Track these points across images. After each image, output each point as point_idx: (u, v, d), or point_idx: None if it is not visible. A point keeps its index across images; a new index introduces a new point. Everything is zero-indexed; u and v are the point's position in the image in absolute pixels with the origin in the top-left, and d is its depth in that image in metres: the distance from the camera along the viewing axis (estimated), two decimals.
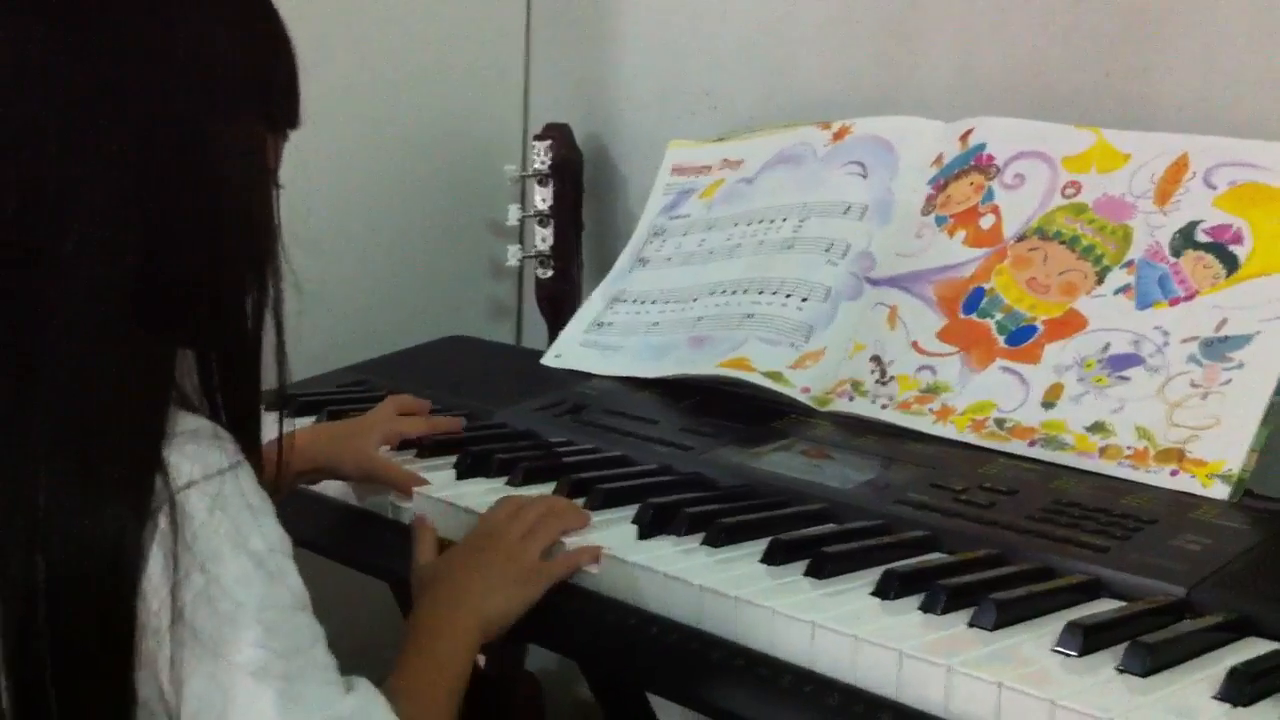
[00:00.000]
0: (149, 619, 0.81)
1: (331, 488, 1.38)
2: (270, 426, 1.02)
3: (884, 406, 1.41)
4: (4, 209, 0.82)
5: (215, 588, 0.82)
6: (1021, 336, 1.35)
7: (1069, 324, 1.33)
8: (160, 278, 0.85)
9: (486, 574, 1.13)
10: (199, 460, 0.84)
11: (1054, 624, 0.95)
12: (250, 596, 0.83)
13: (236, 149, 0.89)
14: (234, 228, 0.90)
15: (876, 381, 1.43)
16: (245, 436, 0.92)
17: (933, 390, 1.38)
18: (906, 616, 0.98)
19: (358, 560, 1.37)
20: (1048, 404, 1.30)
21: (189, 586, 0.81)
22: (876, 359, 1.44)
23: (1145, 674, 0.88)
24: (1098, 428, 1.26)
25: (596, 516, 1.21)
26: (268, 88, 0.93)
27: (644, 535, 1.16)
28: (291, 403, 1.62)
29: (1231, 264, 1.27)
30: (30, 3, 0.84)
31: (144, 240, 0.84)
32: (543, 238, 2.08)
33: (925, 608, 0.99)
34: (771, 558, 1.09)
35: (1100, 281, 1.34)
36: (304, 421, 1.58)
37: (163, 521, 0.81)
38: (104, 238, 0.83)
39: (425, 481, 1.31)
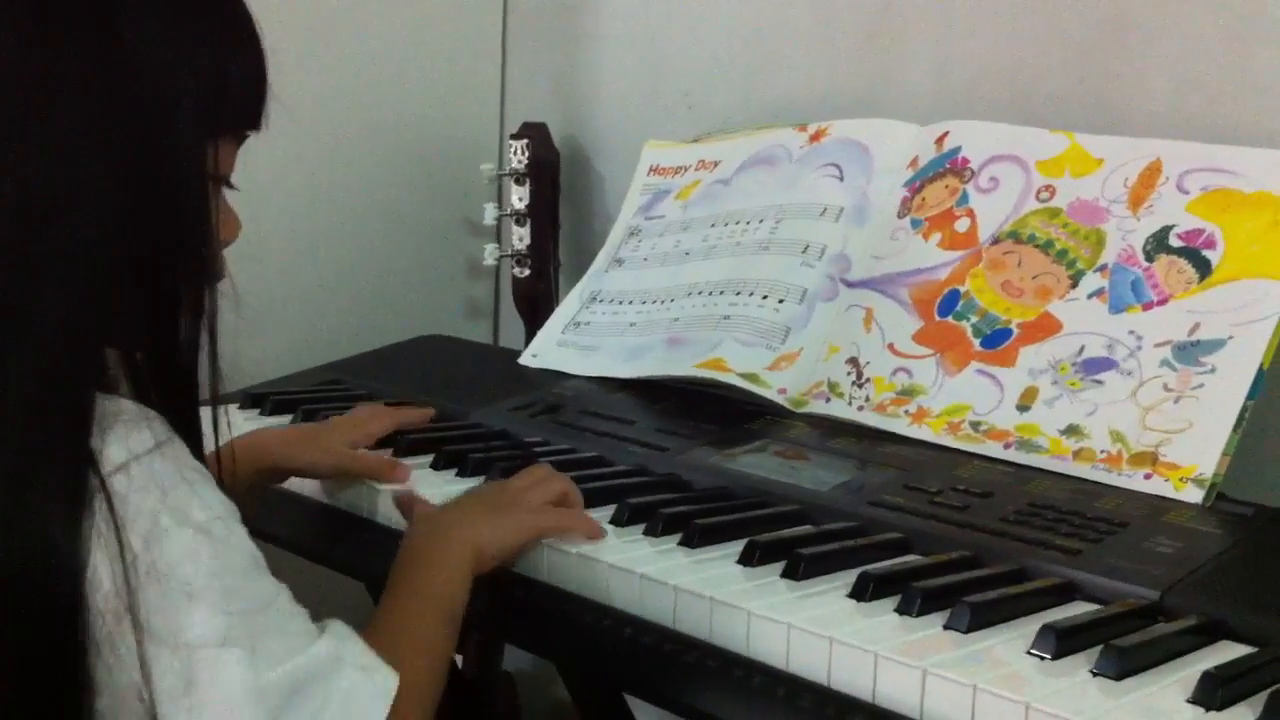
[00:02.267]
0: (103, 606, 0.81)
1: (307, 486, 1.37)
2: (242, 426, 1.02)
3: (860, 408, 1.41)
4: None
5: (161, 567, 0.82)
6: (997, 339, 1.36)
7: (1043, 327, 1.34)
8: (97, 274, 0.84)
9: (478, 504, 1.14)
10: (125, 442, 0.83)
11: (1028, 627, 0.96)
12: (199, 568, 0.83)
13: (178, 151, 0.88)
14: (175, 231, 0.89)
15: (853, 383, 1.43)
16: (183, 437, 0.91)
17: (908, 392, 1.39)
18: (882, 618, 0.99)
19: (333, 560, 1.37)
20: (1022, 407, 1.31)
21: (136, 570, 0.81)
22: (853, 361, 1.45)
23: (1119, 677, 0.89)
24: (1072, 431, 1.26)
25: None
26: (225, 89, 0.91)
27: (620, 536, 1.17)
28: (266, 401, 1.62)
29: (1204, 269, 1.27)
30: None
31: (79, 237, 0.83)
32: (520, 237, 2.08)
33: (900, 610, 0.99)
34: (747, 559, 1.10)
35: (1074, 285, 1.34)
36: (279, 420, 1.58)
37: (99, 509, 0.81)
38: (41, 233, 0.82)
39: (403, 465, 1.32)
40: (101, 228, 0.84)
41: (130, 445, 0.83)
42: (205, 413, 0.96)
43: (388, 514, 1.29)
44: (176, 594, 0.82)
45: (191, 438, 0.93)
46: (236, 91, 0.92)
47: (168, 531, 0.82)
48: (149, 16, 0.86)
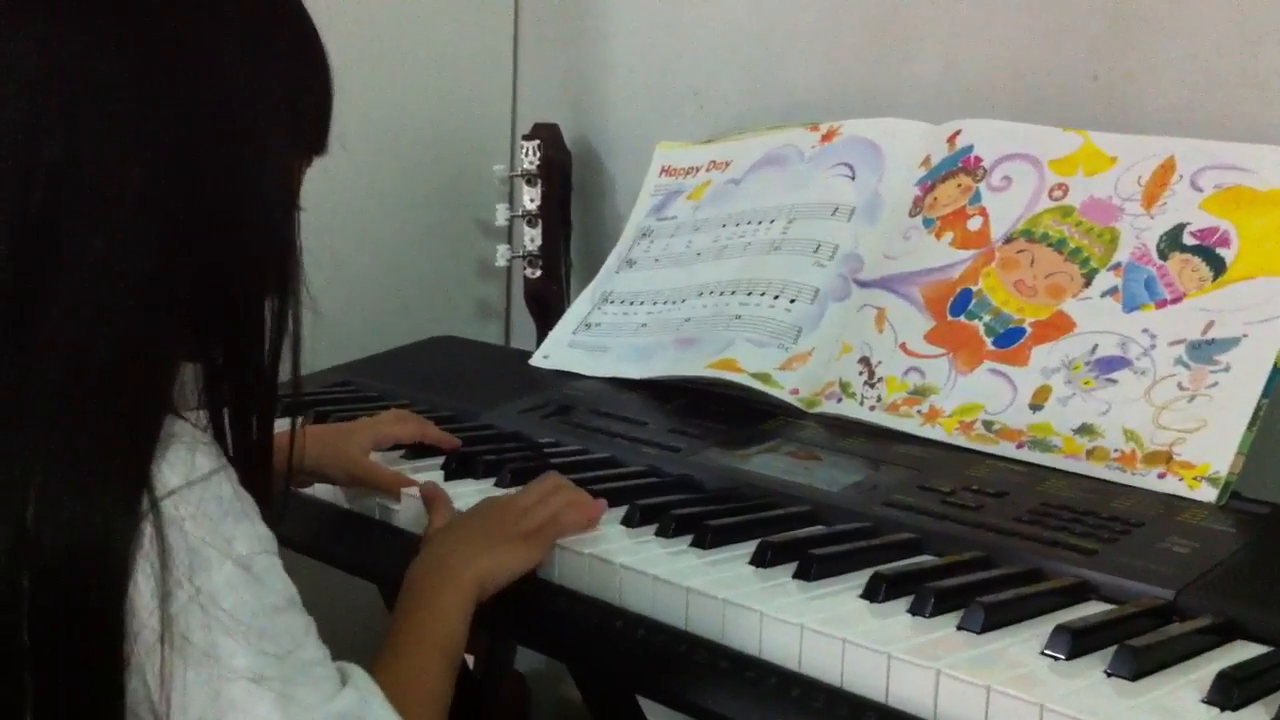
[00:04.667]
0: (139, 629, 0.81)
1: (320, 489, 1.37)
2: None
3: (872, 408, 1.41)
4: (29, 212, 0.81)
5: (203, 596, 0.82)
6: (1009, 338, 1.35)
7: (1056, 326, 1.33)
8: (181, 291, 0.86)
9: (481, 534, 1.13)
10: (181, 467, 0.84)
11: (1042, 627, 0.96)
12: (239, 603, 0.83)
13: (265, 172, 0.90)
14: (258, 249, 0.91)
15: (865, 383, 1.43)
16: (256, 446, 0.92)
17: (921, 392, 1.38)
18: (895, 619, 0.98)
19: (346, 562, 1.37)
20: (1035, 406, 1.30)
21: (177, 596, 0.81)
22: (865, 360, 1.44)
23: (1133, 677, 0.88)
24: (1085, 430, 1.26)
25: None
26: (300, 113, 0.94)
27: (632, 537, 1.16)
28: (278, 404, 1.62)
29: (1218, 267, 1.27)
30: (63, 6, 0.84)
31: (167, 254, 0.84)
32: (531, 238, 2.08)
33: (914, 610, 0.99)
34: (760, 560, 1.09)
35: (1087, 284, 1.34)
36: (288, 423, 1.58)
37: (148, 530, 0.81)
38: (130, 248, 0.83)
39: (412, 483, 1.31)
40: (186, 246, 0.85)
41: (185, 470, 0.84)
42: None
43: (399, 516, 1.29)
44: (215, 625, 0.82)
45: (264, 448, 0.95)
46: (310, 114, 0.96)
47: (211, 563, 0.83)
48: (240, 41, 0.88)
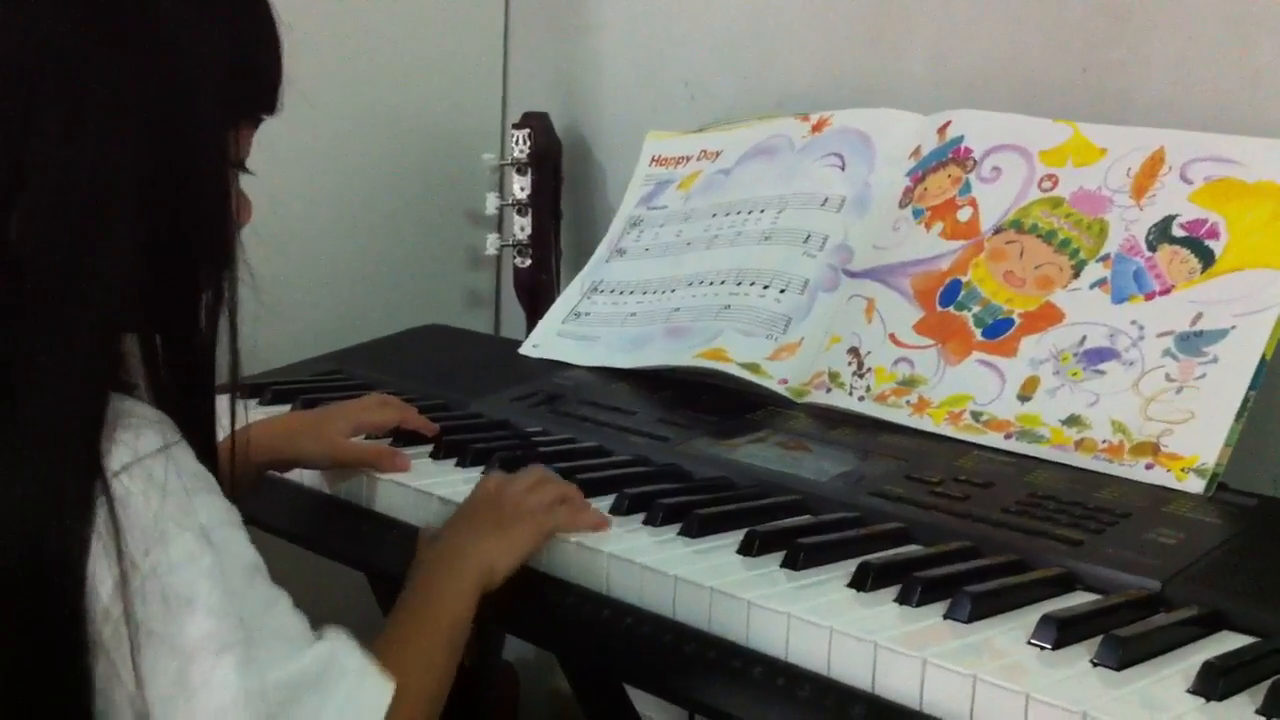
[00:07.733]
0: (101, 611, 0.80)
1: (306, 476, 1.37)
2: (244, 416, 1.02)
3: (861, 399, 1.41)
4: None
5: (162, 570, 0.82)
6: (998, 329, 1.35)
7: (1045, 317, 1.33)
8: (130, 269, 0.84)
9: (486, 521, 1.13)
10: (131, 445, 0.83)
11: (1029, 617, 0.96)
12: (198, 573, 0.83)
13: (199, 133, 0.88)
14: (197, 217, 0.89)
15: (854, 374, 1.43)
16: (197, 424, 0.91)
17: (909, 383, 1.38)
18: (882, 608, 0.98)
19: (334, 550, 1.37)
20: (1024, 397, 1.30)
21: (135, 573, 0.81)
22: (854, 351, 1.44)
23: (1119, 667, 0.89)
24: (1073, 421, 1.26)
25: None
26: (244, 73, 0.91)
27: (620, 525, 1.16)
28: (266, 391, 1.62)
29: (1207, 259, 1.27)
30: None
31: (114, 223, 0.83)
32: (521, 227, 2.07)
33: (901, 600, 0.99)
34: (747, 549, 1.09)
35: (1076, 275, 1.34)
36: (279, 409, 1.57)
37: (100, 511, 0.80)
38: (94, 230, 0.82)
39: (402, 454, 1.31)
40: (133, 217, 0.84)
41: (135, 448, 0.83)
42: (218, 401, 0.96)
43: (386, 503, 1.29)
44: (175, 599, 0.82)
45: (205, 425, 0.93)
46: (256, 75, 0.93)
47: (168, 536, 0.82)
48: (176, 2, 0.87)
